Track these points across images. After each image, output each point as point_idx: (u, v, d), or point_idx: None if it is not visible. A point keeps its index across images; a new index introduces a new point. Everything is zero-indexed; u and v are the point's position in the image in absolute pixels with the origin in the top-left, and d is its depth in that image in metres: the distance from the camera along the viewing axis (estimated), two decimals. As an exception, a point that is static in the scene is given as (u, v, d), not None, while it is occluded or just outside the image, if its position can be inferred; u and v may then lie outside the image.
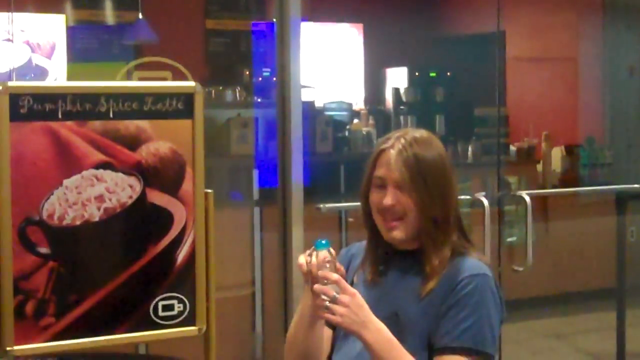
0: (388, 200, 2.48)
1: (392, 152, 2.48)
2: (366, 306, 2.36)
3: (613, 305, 6.23)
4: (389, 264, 2.57)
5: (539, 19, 9.71)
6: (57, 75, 6.80)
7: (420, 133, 2.55)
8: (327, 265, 2.37)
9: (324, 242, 2.41)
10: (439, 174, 2.49)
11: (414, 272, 2.50)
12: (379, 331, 2.36)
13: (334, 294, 2.32)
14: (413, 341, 2.42)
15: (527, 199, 5.58)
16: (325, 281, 2.34)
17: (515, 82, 9.39)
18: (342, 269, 2.43)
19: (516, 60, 9.48)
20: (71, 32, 7.30)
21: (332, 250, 2.41)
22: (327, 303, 2.32)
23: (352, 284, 2.54)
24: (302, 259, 2.43)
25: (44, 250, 3.00)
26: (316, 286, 2.35)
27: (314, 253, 2.40)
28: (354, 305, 2.33)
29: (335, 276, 2.35)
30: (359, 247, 2.67)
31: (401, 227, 2.49)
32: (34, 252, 2.99)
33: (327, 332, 2.61)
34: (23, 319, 2.99)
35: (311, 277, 2.38)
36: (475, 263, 2.49)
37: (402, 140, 2.49)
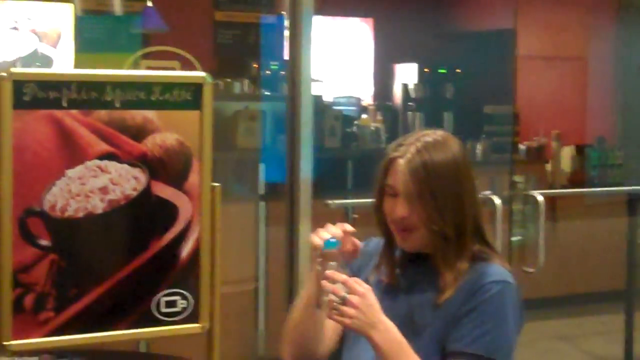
0: (399, 211, 2.39)
1: (401, 162, 2.38)
2: (377, 306, 2.29)
3: (621, 307, 6.16)
4: (406, 267, 2.49)
5: (550, 17, 9.63)
6: (64, 65, 6.73)
7: (435, 136, 2.43)
8: (335, 263, 2.31)
9: (333, 240, 2.34)
10: (450, 183, 2.37)
11: (431, 276, 2.42)
12: (388, 331, 2.29)
13: (344, 294, 2.25)
14: (427, 345, 2.35)
15: (540, 198, 5.50)
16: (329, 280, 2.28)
17: (526, 81, 9.30)
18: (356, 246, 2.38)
19: (527, 58, 9.40)
20: (79, 21, 7.23)
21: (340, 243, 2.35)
22: (335, 304, 2.25)
23: (366, 282, 2.45)
24: (317, 240, 2.36)
25: (44, 242, 2.93)
26: (324, 283, 2.27)
27: (323, 252, 2.34)
28: (363, 305, 2.26)
29: (342, 277, 2.28)
30: (376, 245, 2.58)
31: (414, 238, 2.41)
32: (34, 244, 2.92)
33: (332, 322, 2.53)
34: (21, 313, 2.92)
35: (319, 274, 2.32)
36: (499, 269, 2.41)
37: (413, 148, 2.38)
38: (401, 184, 2.38)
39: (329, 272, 2.29)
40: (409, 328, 2.34)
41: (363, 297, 2.27)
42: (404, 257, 2.49)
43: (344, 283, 2.27)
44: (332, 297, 2.26)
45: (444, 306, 2.36)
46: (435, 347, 2.35)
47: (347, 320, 2.26)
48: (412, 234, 2.40)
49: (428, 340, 2.35)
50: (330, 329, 2.54)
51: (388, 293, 2.45)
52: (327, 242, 2.34)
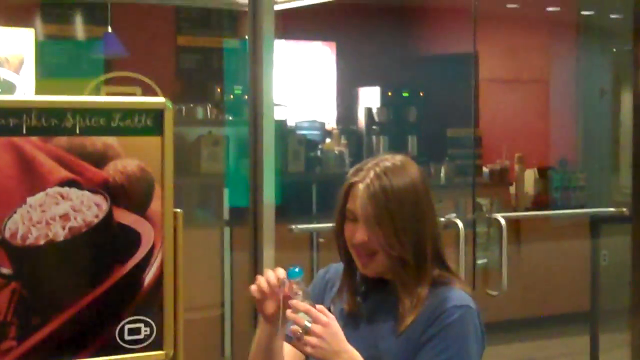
0: (359, 236, 2.39)
1: (361, 187, 2.38)
2: (340, 334, 2.28)
3: (585, 329, 6.18)
4: (367, 294, 2.48)
5: (512, 40, 9.72)
6: (26, 90, 6.69)
7: (394, 160, 2.43)
8: (299, 293, 2.30)
9: (297, 270, 2.34)
10: (409, 207, 2.37)
11: (392, 302, 2.41)
12: None
13: (306, 323, 2.24)
14: (392, 372, 2.33)
15: (503, 221, 5.53)
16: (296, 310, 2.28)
17: (488, 104, 9.37)
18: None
19: (489, 81, 9.47)
20: (40, 46, 7.20)
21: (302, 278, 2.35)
22: (299, 334, 2.25)
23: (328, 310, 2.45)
24: (254, 289, 2.38)
25: (5, 270, 2.90)
26: (289, 313, 2.28)
27: (287, 282, 2.33)
28: (327, 334, 2.25)
29: (306, 306, 2.27)
30: (336, 271, 2.57)
31: (374, 264, 2.41)
32: (-5, 273, 2.89)
33: (292, 355, 2.52)
34: (-17, 343, 2.88)
35: (282, 304, 2.32)
36: (460, 294, 2.40)
37: (372, 173, 2.38)
38: (360, 209, 2.37)
39: (293, 302, 2.29)
40: (372, 355, 2.33)
41: (326, 326, 2.26)
42: (364, 282, 2.49)
43: (306, 312, 2.26)
44: (296, 327, 2.26)
45: (406, 333, 2.36)
46: (399, 375, 2.34)
47: (309, 349, 2.26)
48: (372, 259, 2.40)
49: (392, 368, 2.34)
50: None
51: (350, 320, 2.44)
52: (292, 272, 2.33)
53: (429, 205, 2.43)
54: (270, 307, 2.37)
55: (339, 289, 2.53)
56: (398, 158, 2.46)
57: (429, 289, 2.38)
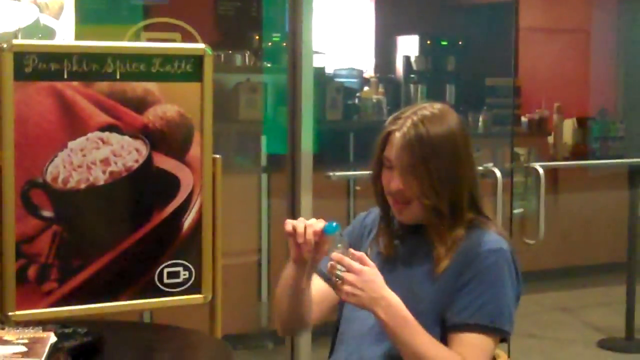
0: (395, 184, 2.39)
1: (397, 135, 2.37)
2: (378, 281, 2.28)
3: (622, 279, 6.18)
4: (404, 238, 2.49)
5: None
6: (66, 36, 6.71)
7: (432, 109, 2.41)
8: (336, 246, 2.31)
9: (334, 225, 2.34)
10: (447, 157, 2.36)
11: (429, 247, 2.42)
12: (391, 307, 2.28)
13: (338, 272, 2.27)
14: (427, 316, 2.34)
15: (541, 171, 5.50)
16: (334, 262, 2.30)
17: (528, 53, 9.29)
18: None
19: (529, 30, 9.38)
20: (80, -8, 7.21)
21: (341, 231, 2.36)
22: (337, 282, 2.28)
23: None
24: (289, 227, 2.35)
25: (47, 213, 2.95)
26: (330, 265, 2.30)
27: (325, 237, 2.34)
28: (360, 282, 2.26)
29: (339, 256, 2.28)
30: (374, 217, 2.59)
31: (409, 211, 2.41)
32: (37, 216, 2.94)
33: (322, 292, 2.54)
34: (25, 284, 2.94)
35: (315, 251, 2.35)
36: (495, 237, 2.40)
37: (409, 122, 2.37)
38: (396, 158, 2.37)
39: (333, 255, 2.30)
40: (410, 299, 2.33)
41: (359, 273, 2.26)
42: (401, 228, 2.49)
43: (340, 262, 2.28)
44: (334, 277, 2.28)
45: (442, 277, 2.36)
46: (435, 318, 2.35)
47: (344, 296, 2.28)
48: (407, 206, 2.40)
49: (427, 311, 2.35)
50: (321, 301, 2.56)
51: (386, 263, 2.45)
52: (330, 227, 2.33)
53: (467, 154, 2.41)
54: (301, 252, 2.38)
55: (376, 234, 2.54)
56: (437, 107, 2.44)
57: (464, 232, 2.39)
